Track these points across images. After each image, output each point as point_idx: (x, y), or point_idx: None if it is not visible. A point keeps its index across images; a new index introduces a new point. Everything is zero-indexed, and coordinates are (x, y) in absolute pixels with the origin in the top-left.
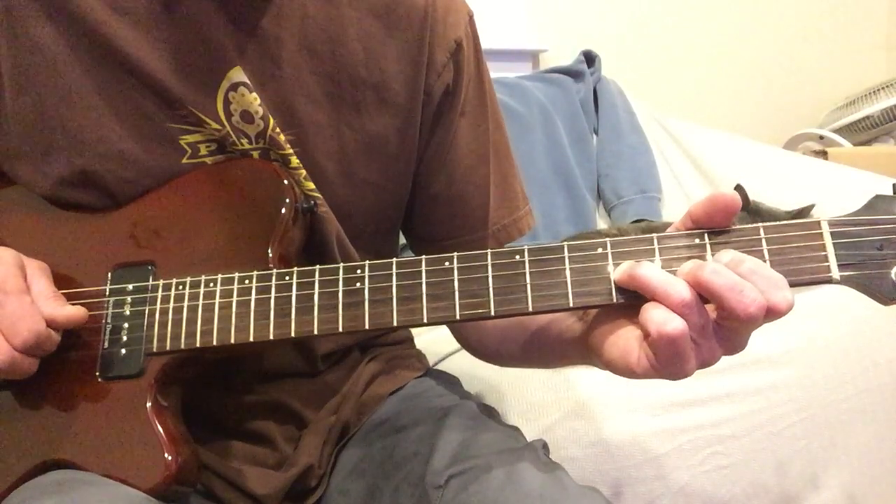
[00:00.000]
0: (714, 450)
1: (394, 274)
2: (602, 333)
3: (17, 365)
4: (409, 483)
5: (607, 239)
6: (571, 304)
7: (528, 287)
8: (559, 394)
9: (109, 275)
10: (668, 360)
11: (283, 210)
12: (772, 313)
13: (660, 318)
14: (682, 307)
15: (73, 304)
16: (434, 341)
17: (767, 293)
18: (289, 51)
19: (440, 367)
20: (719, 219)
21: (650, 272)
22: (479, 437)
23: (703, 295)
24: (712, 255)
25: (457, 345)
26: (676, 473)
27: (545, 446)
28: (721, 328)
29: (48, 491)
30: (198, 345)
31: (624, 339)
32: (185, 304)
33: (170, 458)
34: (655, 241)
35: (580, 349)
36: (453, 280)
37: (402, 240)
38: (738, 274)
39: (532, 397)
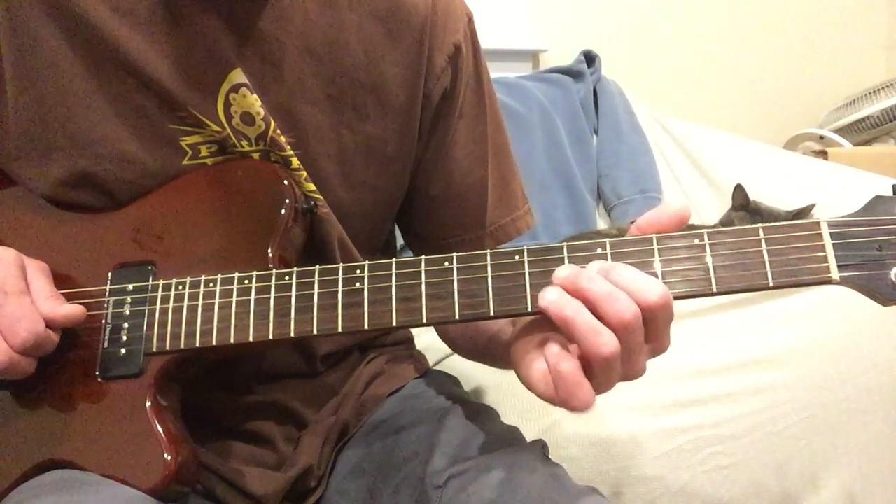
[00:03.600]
0: (714, 450)
1: (393, 274)
2: (519, 349)
3: (16, 365)
4: (409, 483)
5: (607, 239)
6: None
7: (528, 287)
8: None
9: (110, 275)
10: (564, 396)
11: (283, 210)
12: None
13: (555, 358)
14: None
15: (73, 303)
16: (434, 340)
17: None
18: (290, 53)
19: (440, 367)
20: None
21: (551, 305)
22: (478, 438)
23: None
24: (712, 255)
25: None
26: (676, 473)
27: (545, 446)
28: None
29: (48, 490)
30: (197, 345)
31: (527, 361)
32: (185, 304)
33: (169, 457)
34: (655, 242)
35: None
36: (453, 280)
37: (402, 240)
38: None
39: (532, 397)
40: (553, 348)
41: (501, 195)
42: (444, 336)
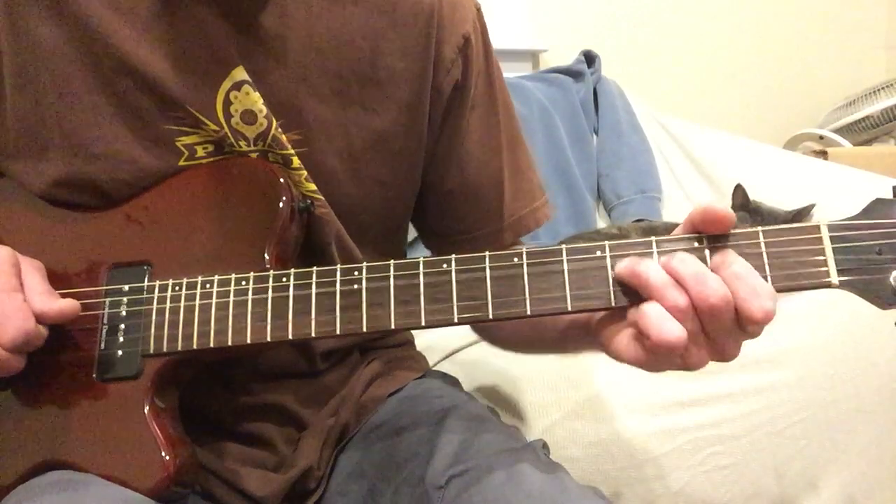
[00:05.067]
0: (714, 450)
1: (391, 276)
2: (603, 323)
3: (5, 363)
4: (410, 484)
5: (606, 242)
6: (570, 308)
7: (527, 290)
8: (559, 394)
9: (105, 275)
10: (658, 361)
11: (281, 209)
12: (746, 319)
13: (658, 322)
14: (675, 310)
15: (66, 299)
16: (434, 341)
17: (743, 297)
18: (293, 50)
19: (440, 367)
20: (714, 231)
21: (650, 270)
22: (479, 438)
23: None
24: (710, 258)
25: (456, 345)
26: (676, 474)
27: (545, 446)
28: (707, 332)
29: (46, 491)
30: (195, 346)
31: (619, 334)
32: (182, 305)
33: (168, 458)
34: (654, 245)
35: (586, 335)
36: (451, 283)
37: (412, 235)
38: (724, 275)
39: (532, 397)
40: (656, 316)
41: (518, 186)
42: (484, 334)
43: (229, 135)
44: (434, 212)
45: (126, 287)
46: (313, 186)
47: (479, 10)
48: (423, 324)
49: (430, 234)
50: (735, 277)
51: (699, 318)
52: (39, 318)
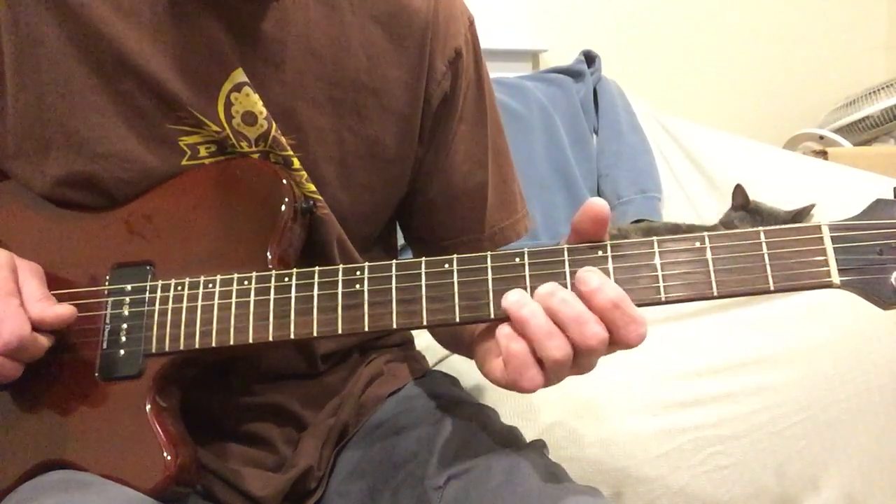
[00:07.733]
0: (714, 450)
1: (393, 276)
2: (481, 343)
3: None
4: (409, 484)
5: (607, 242)
6: None
7: (528, 290)
8: (559, 394)
9: (108, 275)
10: (513, 376)
11: (283, 210)
12: (623, 345)
13: (521, 369)
14: (551, 362)
15: (63, 304)
16: (434, 341)
17: (622, 324)
18: (291, 55)
19: (439, 367)
20: (593, 229)
21: (531, 318)
22: (478, 438)
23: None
24: (713, 258)
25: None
26: (676, 473)
27: (545, 446)
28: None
29: (47, 491)
30: (197, 346)
31: (484, 350)
32: (184, 304)
33: (169, 458)
34: (655, 245)
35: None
36: (453, 283)
37: (402, 240)
38: (598, 303)
39: (532, 397)
40: (504, 329)
41: (501, 198)
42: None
43: (231, 136)
44: (419, 217)
45: (128, 287)
46: (313, 187)
47: (472, 22)
48: (424, 323)
49: (414, 238)
50: (614, 307)
51: (575, 354)
52: (37, 325)
